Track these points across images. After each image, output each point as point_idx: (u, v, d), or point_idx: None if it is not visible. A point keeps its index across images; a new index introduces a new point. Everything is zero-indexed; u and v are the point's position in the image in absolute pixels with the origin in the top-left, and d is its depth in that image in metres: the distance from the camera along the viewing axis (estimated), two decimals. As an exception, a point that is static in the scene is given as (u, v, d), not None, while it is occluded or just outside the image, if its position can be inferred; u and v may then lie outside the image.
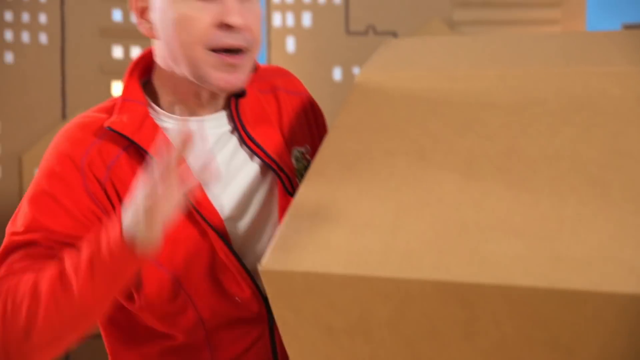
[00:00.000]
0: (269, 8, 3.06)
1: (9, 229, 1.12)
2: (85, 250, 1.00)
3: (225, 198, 1.17)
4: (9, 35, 2.83)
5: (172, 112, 1.18)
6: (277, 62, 2.99)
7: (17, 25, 2.83)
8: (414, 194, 0.87)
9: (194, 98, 1.17)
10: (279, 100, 1.25)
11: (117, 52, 2.94)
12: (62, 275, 1.00)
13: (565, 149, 0.86)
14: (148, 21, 1.14)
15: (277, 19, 3.05)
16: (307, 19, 3.04)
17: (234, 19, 1.08)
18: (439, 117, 0.98)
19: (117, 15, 2.93)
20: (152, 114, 1.18)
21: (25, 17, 2.84)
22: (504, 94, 0.98)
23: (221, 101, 1.20)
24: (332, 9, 3.04)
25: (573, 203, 0.80)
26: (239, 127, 1.18)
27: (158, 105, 1.19)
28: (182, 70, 1.13)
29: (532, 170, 0.85)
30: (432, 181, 0.89)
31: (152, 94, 1.20)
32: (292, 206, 0.93)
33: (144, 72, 1.22)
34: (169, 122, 1.18)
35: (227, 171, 1.17)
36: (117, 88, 2.96)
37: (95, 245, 0.99)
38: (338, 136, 1.02)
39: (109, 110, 1.17)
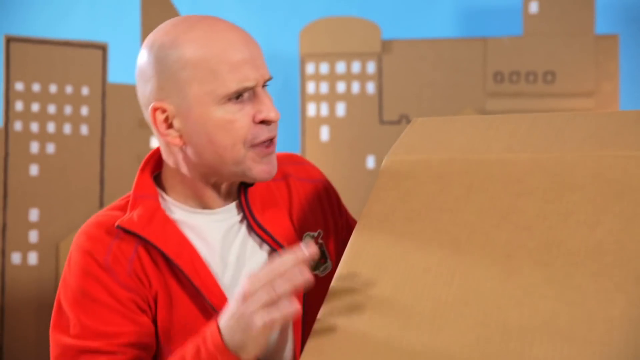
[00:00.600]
0: (303, 98, 3.11)
1: (56, 334, 1.14)
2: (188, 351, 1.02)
3: (236, 288, 1.17)
4: (51, 127, 2.91)
5: (184, 203, 1.21)
6: (312, 150, 3.03)
7: (59, 117, 2.91)
8: (452, 292, 0.84)
9: (211, 193, 1.20)
10: (290, 187, 1.27)
11: (155, 142, 2.99)
12: None
13: (608, 241, 0.82)
14: (176, 129, 1.15)
15: (311, 109, 3.10)
16: (341, 109, 3.09)
17: (273, 115, 1.14)
18: (473, 205, 0.95)
19: (156, 106, 3.01)
20: (163, 205, 1.20)
21: (68, 109, 2.93)
22: (539, 180, 0.93)
23: (234, 192, 1.23)
24: (365, 99, 3.08)
25: (621, 303, 0.75)
26: (247, 216, 1.20)
27: (170, 196, 1.22)
28: (221, 168, 1.16)
29: (574, 265, 0.81)
30: (469, 277, 0.85)
31: (163, 187, 1.23)
32: (325, 304, 0.91)
33: (156, 166, 1.25)
34: (180, 214, 1.20)
35: (238, 260, 1.18)
36: (154, 177, 3.01)
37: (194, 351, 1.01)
38: (368, 226, 0.99)
39: (123, 208, 1.21)
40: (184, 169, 1.19)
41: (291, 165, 1.30)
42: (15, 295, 2.82)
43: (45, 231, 2.87)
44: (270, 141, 1.15)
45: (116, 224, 1.16)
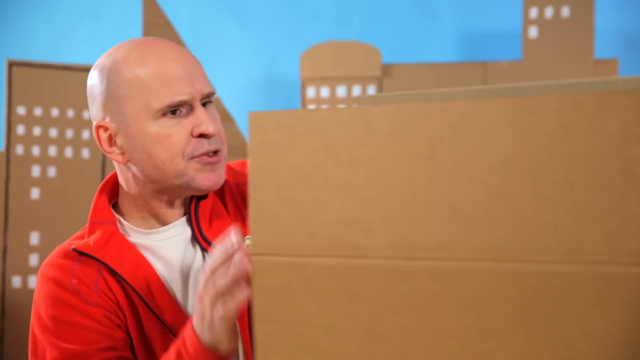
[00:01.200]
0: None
1: None
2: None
3: (191, 303, 1.20)
4: (52, 150, 2.92)
5: (141, 226, 1.23)
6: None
7: (61, 141, 2.92)
8: None
9: (165, 210, 1.22)
10: (232, 193, 1.28)
11: (156, 165, 3.01)
12: None
13: None
14: (119, 147, 1.18)
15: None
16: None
17: (209, 129, 1.15)
18: None
19: (157, 130, 3.03)
20: (121, 230, 1.22)
21: (69, 133, 2.94)
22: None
23: (186, 205, 1.25)
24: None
25: None
26: (195, 229, 1.22)
27: (128, 221, 1.23)
28: (164, 183, 1.18)
29: None
30: None
31: (121, 212, 1.25)
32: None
33: (113, 191, 1.27)
34: (138, 237, 1.22)
35: (196, 275, 1.20)
36: (154, 200, 3.02)
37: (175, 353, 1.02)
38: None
39: (82, 236, 1.22)
40: (134, 189, 1.21)
41: (232, 174, 1.31)
42: (15, 319, 2.82)
43: (45, 254, 2.87)
44: (214, 152, 1.17)
45: (71, 248, 1.18)
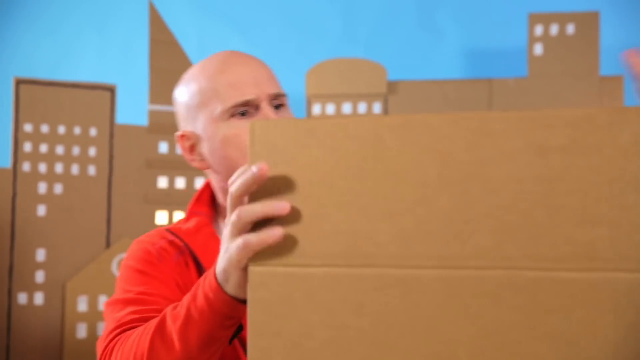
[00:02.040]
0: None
1: (107, 306, 1.17)
2: (183, 302, 1.01)
3: None
4: (59, 167, 2.93)
5: None
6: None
7: (67, 158, 2.93)
8: None
9: None
10: None
11: (162, 182, 3.01)
12: (161, 327, 1.00)
13: None
14: (199, 154, 1.25)
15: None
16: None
17: None
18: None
19: (163, 147, 3.03)
20: (214, 226, 1.26)
21: (76, 150, 2.95)
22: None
23: None
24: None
25: None
26: None
27: (222, 222, 1.27)
28: None
29: None
30: None
31: (219, 212, 1.29)
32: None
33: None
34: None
35: None
36: (160, 217, 3.01)
37: (192, 295, 1.00)
38: None
39: (178, 223, 1.29)
40: (221, 198, 1.26)
41: None
42: (21, 336, 2.81)
43: (51, 271, 2.87)
44: None
45: (166, 228, 1.25)
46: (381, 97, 3.11)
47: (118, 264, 2.90)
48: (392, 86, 3.11)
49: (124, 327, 1.09)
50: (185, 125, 1.25)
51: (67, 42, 3.51)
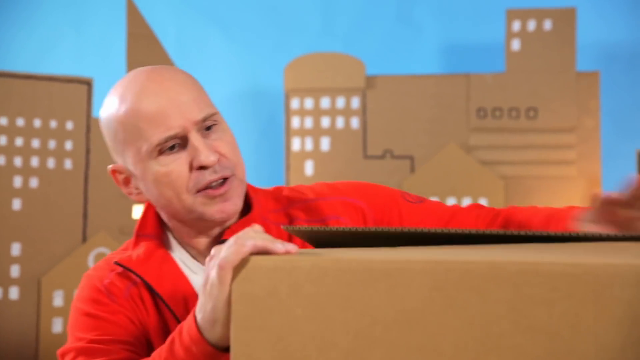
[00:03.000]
0: (288, 133, 3.13)
1: (59, 354, 1.14)
2: (164, 346, 0.98)
3: None
4: (35, 161, 2.90)
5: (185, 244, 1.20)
6: (296, 184, 3.03)
7: (43, 152, 2.91)
8: None
9: (199, 238, 1.18)
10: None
11: (139, 176, 3.00)
12: None
13: None
14: (135, 187, 1.17)
15: (296, 144, 3.11)
16: (325, 144, 3.11)
17: (206, 160, 1.10)
18: None
19: (140, 141, 3.02)
20: (166, 243, 1.20)
21: (52, 144, 2.93)
22: None
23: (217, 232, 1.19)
24: (350, 134, 3.10)
25: None
26: None
27: (175, 236, 1.21)
28: (182, 218, 1.15)
29: None
30: None
31: (169, 227, 1.22)
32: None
33: None
34: (181, 253, 1.20)
35: None
36: (137, 212, 3.00)
37: (168, 348, 0.97)
38: None
39: (126, 247, 1.22)
40: (166, 219, 1.20)
41: (302, 205, 1.23)
42: (-5, 331, 2.79)
43: (27, 266, 2.85)
44: (223, 180, 1.12)
45: (114, 260, 1.17)
46: (359, 92, 3.12)
47: (95, 258, 2.89)
48: (371, 81, 3.12)
49: None
50: (115, 156, 1.18)
51: (44, 35, 3.48)
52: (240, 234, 0.86)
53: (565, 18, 3.02)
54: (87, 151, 2.97)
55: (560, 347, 0.72)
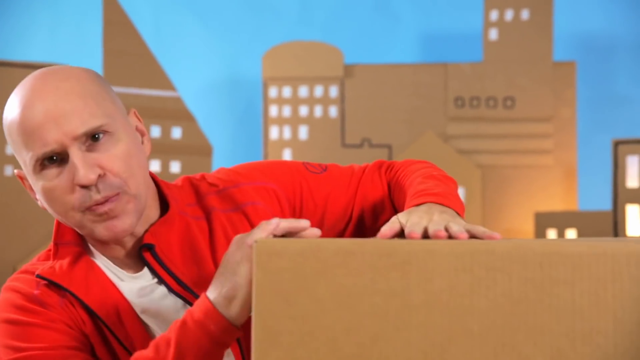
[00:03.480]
0: (266, 122, 3.12)
1: None
2: (169, 332, 0.96)
3: None
4: (9, 149, 2.88)
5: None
6: (274, 174, 3.03)
7: (18, 139, 2.89)
8: None
9: (111, 249, 1.11)
10: (212, 224, 1.14)
11: (116, 164, 2.98)
12: None
13: None
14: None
15: (274, 132, 3.11)
16: (303, 132, 3.10)
17: (83, 179, 1.02)
18: None
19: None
20: (88, 252, 1.13)
21: (27, 130, 2.90)
22: None
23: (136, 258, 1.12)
24: (328, 123, 3.10)
25: None
26: (167, 280, 1.09)
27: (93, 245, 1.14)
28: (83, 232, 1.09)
29: None
30: None
31: None
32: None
33: None
34: (104, 260, 1.12)
35: (159, 314, 1.10)
36: (114, 200, 2.99)
37: (179, 323, 0.95)
38: None
39: (46, 257, 1.13)
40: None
41: (214, 196, 1.17)
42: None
43: (2, 254, 2.83)
44: (107, 200, 1.04)
45: (36, 273, 1.08)
46: (338, 81, 3.11)
47: (71, 247, 2.87)
48: (349, 69, 3.12)
49: None
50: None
51: (18, 21, 3.44)
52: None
53: (543, 8, 3.03)
54: (63, 139, 2.95)
55: (582, 325, 0.76)
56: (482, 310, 0.77)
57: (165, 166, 3.00)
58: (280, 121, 3.10)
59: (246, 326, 1.00)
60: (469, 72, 3.07)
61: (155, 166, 2.99)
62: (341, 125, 3.09)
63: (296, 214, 1.18)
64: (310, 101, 3.11)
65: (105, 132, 1.05)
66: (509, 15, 3.06)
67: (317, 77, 3.12)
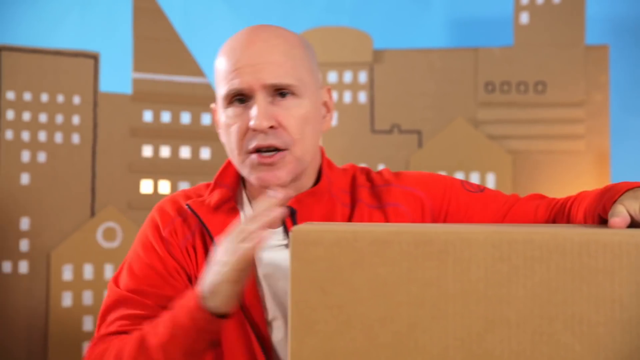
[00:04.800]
0: (295, 108, 3.12)
1: (112, 282, 1.21)
2: (165, 319, 1.06)
3: (274, 313, 1.19)
4: (42, 136, 2.90)
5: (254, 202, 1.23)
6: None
7: (51, 126, 2.91)
8: None
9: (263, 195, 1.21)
10: (352, 214, 1.21)
11: (147, 151, 3.00)
12: (141, 340, 1.05)
13: None
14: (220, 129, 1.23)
15: (303, 119, 3.10)
16: (333, 118, 3.10)
17: (255, 123, 1.12)
18: None
19: (147, 115, 3.01)
20: (238, 199, 1.24)
21: (59, 118, 2.92)
22: None
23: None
24: (357, 108, 3.09)
25: None
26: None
27: (248, 192, 1.25)
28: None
29: None
30: None
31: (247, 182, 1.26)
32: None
33: None
34: (248, 210, 1.23)
35: (284, 290, 1.17)
36: (145, 186, 3.00)
37: (173, 314, 1.05)
38: None
39: (204, 189, 1.27)
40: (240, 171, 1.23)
41: (367, 190, 1.24)
42: (6, 304, 2.81)
43: (36, 240, 2.86)
44: (274, 150, 1.13)
45: (186, 202, 1.21)
46: (367, 66, 3.10)
47: (103, 232, 2.90)
48: (378, 55, 3.10)
49: (110, 334, 1.14)
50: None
51: (50, 9, 3.46)
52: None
53: (575, -9, 2.99)
54: (95, 126, 2.97)
55: (621, 314, 0.75)
56: (519, 299, 0.77)
57: (195, 152, 3.02)
58: (310, 107, 3.10)
59: (260, 329, 1.07)
60: (500, 57, 3.04)
61: (185, 152, 3.01)
62: (370, 111, 3.08)
63: None
64: (340, 87, 3.10)
65: (292, 92, 1.14)
66: (540, -2, 3.02)
67: (346, 63, 3.11)
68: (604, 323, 0.76)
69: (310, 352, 0.80)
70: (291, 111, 1.14)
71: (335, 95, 3.11)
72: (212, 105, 1.25)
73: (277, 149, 1.13)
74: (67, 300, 2.87)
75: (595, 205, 1.00)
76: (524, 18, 3.03)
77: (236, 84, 1.13)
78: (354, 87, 3.10)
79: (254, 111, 1.12)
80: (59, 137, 2.92)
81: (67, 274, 2.87)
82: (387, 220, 1.21)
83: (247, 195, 1.24)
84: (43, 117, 2.90)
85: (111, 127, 2.98)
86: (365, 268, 0.80)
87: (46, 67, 2.92)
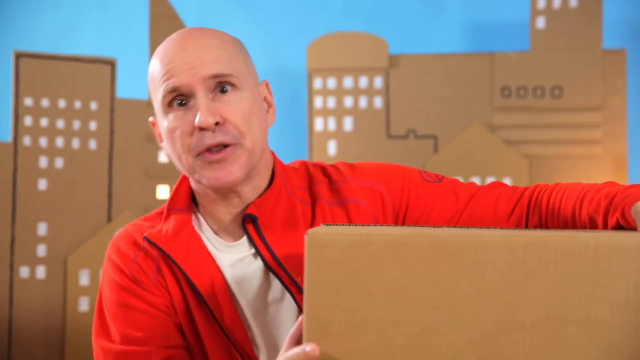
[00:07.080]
0: (311, 113, 3.12)
1: (100, 340, 1.16)
2: None
3: (257, 330, 1.16)
4: (60, 141, 2.92)
5: (209, 223, 1.20)
6: (319, 165, 3.02)
7: (68, 132, 2.93)
8: None
9: (219, 207, 1.18)
10: (315, 213, 1.19)
11: (163, 156, 3.01)
12: None
13: None
14: (164, 142, 1.18)
15: (319, 124, 3.11)
16: (348, 124, 3.10)
17: (200, 120, 1.07)
18: None
19: (163, 121, 3.02)
20: (195, 223, 1.19)
21: (77, 124, 2.94)
22: None
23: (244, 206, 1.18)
24: (373, 114, 3.09)
25: None
26: (262, 252, 1.14)
27: (203, 215, 1.21)
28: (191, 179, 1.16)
29: None
30: None
31: (200, 204, 1.22)
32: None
33: None
34: (208, 232, 1.19)
35: (257, 291, 1.16)
36: (161, 191, 3.01)
37: None
38: None
39: (155, 219, 1.21)
40: (195, 189, 1.20)
41: (325, 186, 1.21)
42: (23, 309, 2.83)
43: (53, 245, 2.88)
44: (223, 147, 1.09)
45: (144, 235, 1.17)
46: (382, 71, 3.10)
47: (119, 238, 2.91)
48: (394, 60, 3.10)
49: None
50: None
51: (67, 15, 3.49)
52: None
53: (592, -5, 2.98)
54: (111, 131, 2.98)
55: (636, 317, 0.75)
56: (534, 302, 0.77)
57: (211, 158, 3.03)
58: (325, 112, 3.10)
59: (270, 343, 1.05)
60: (516, 62, 3.03)
61: (201, 158, 3.02)
62: (386, 116, 3.08)
63: (399, 219, 1.20)
64: (355, 92, 3.11)
65: (232, 85, 1.11)
66: (556, 3, 3.01)
67: (362, 68, 3.11)
68: (619, 326, 0.75)
69: (325, 354, 0.80)
70: (234, 105, 1.11)
71: (350, 100, 3.11)
72: (151, 119, 1.19)
73: (226, 146, 1.10)
74: (83, 305, 2.88)
75: (607, 207, 0.97)
76: (541, 22, 3.02)
77: (172, 82, 1.09)
78: (370, 92, 3.10)
79: (197, 109, 1.08)
80: (76, 143, 2.94)
81: (84, 279, 2.88)
82: (348, 216, 1.18)
83: (202, 214, 1.20)
84: (60, 123, 2.92)
85: (128, 133, 3.00)
86: (380, 270, 0.80)
87: (64, 73, 2.94)
